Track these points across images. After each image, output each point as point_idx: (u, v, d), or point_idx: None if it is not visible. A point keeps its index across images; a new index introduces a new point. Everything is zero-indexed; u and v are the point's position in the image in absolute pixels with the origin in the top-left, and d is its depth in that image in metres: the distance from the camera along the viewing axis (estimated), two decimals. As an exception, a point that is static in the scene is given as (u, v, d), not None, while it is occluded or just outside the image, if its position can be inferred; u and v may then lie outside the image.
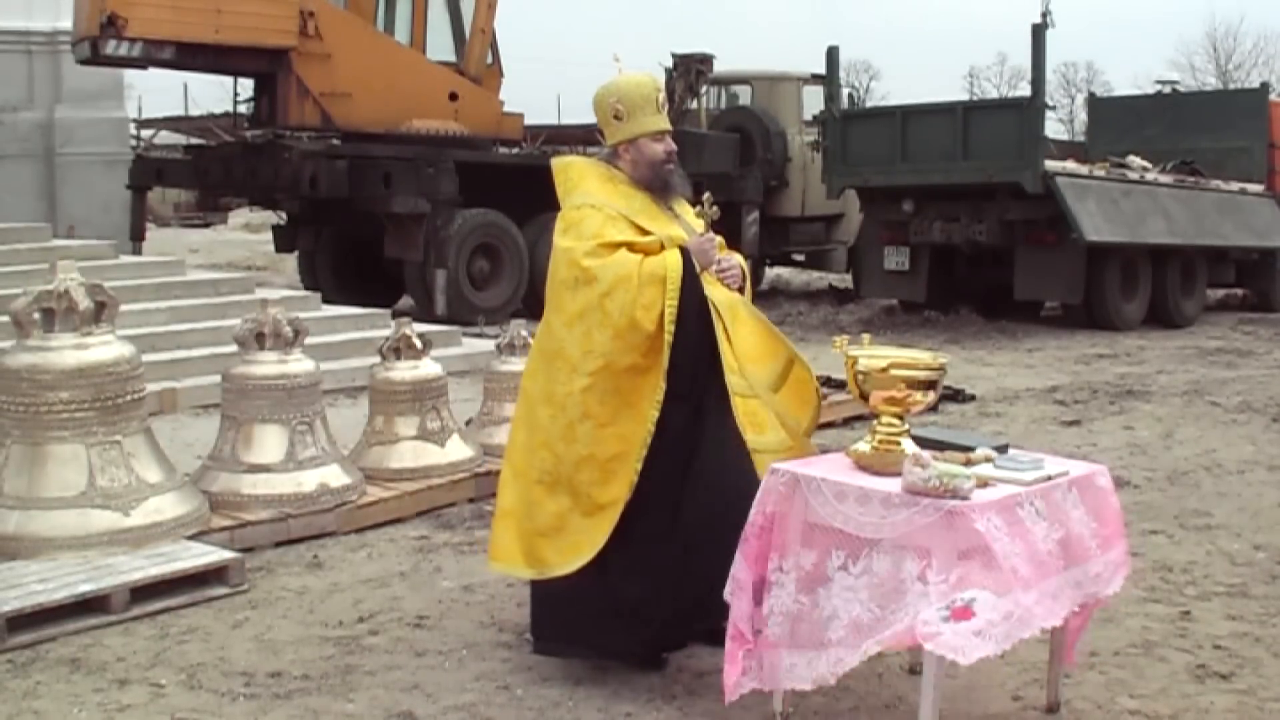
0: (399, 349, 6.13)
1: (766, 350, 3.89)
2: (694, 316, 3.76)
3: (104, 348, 4.87)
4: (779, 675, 3.28)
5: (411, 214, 12.63)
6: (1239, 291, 16.62)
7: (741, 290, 3.96)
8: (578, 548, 3.77)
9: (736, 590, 3.34)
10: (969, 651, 2.91)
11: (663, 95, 3.97)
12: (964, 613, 2.94)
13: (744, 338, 3.83)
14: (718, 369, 3.79)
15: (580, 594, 3.79)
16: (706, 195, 3.97)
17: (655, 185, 3.94)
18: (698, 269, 3.81)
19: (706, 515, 3.72)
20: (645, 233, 3.83)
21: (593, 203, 3.86)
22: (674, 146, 3.99)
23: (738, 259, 3.98)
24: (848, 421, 7.98)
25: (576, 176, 3.99)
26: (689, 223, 3.98)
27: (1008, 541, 3.06)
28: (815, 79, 15.83)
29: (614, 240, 3.78)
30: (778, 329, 3.94)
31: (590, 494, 3.76)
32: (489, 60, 14.73)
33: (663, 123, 3.94)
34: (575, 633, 3.88)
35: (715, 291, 3.85)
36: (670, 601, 3.76)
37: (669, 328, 3.72)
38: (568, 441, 3.77)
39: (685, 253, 3.80)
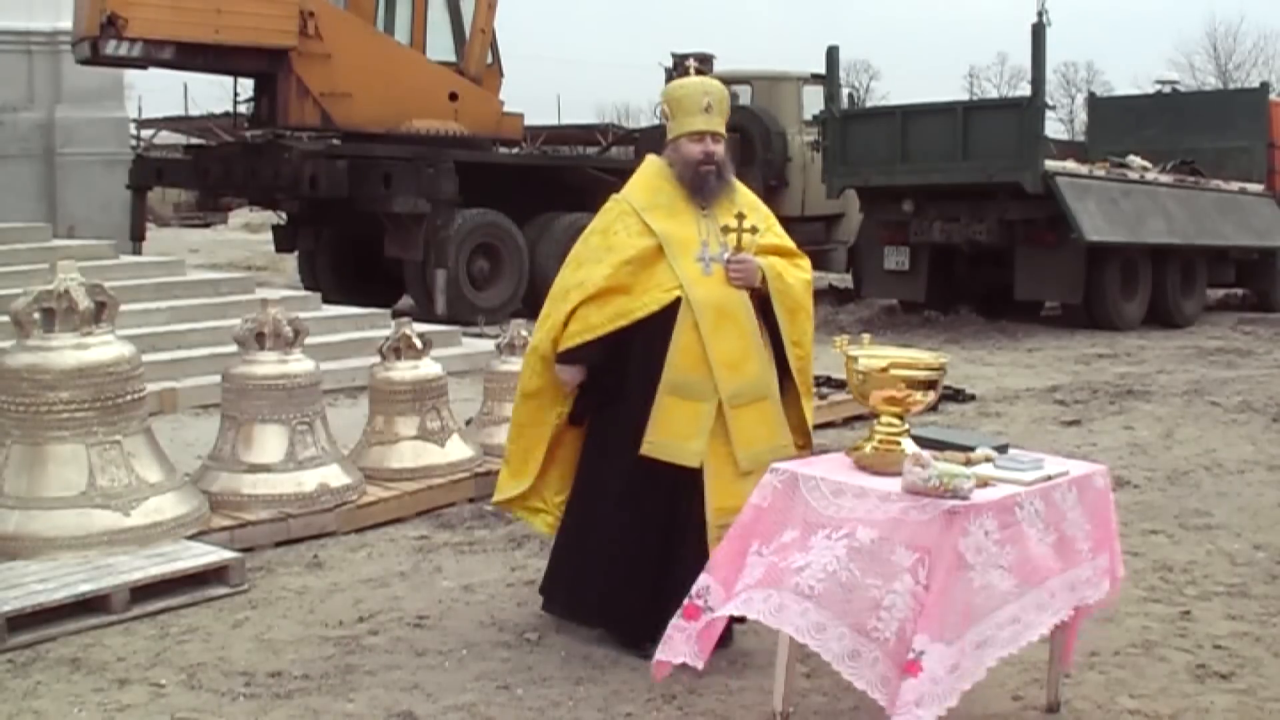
0: (399, 349, 6.13)
1: (749, 362, 3.97)
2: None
3: (104, 348, 4.86)
4: (741, 605, 3.21)
5: (411, 214, 12.62)
6: (1239, 291, 16.62)
7: (760, 291, 4.02)
8: None
9: (710, 584, 3.33)
10: None
11: (710, 99, 4.02)
12: (912, 668, 2.90)
13: (724, 341, 3.93)
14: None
15: (560, 553, 4.26)
16: (738, 213, 4.00)
17: (692, 184, 4.05)
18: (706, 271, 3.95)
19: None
20: (649, 229, 3.98)
21: (619, 196, 4.15)
22: (714, 148, 4.03)
23: (754, 261, 4.00)
24: (848, 421, 7.99)
25: (638, 172, 4.22)
26: (716, 227, 4.02)
27: (996, 551, 3.05)
28: (815, 79, 15.81)
29: (614, 235, 4.04)
30: (768, 360, 4.02)
31: None
32: (489, 60, 14.73)
33: (701, 124, 4.02)
34: (555, 586, 4.25)
35: (710, 292, 3.94)
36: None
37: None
38: None
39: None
